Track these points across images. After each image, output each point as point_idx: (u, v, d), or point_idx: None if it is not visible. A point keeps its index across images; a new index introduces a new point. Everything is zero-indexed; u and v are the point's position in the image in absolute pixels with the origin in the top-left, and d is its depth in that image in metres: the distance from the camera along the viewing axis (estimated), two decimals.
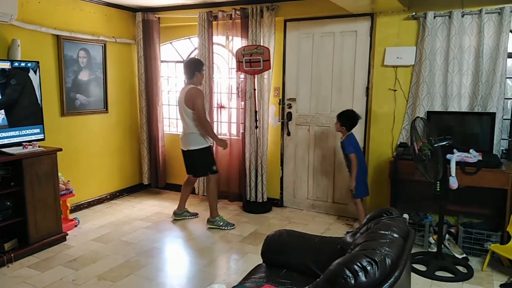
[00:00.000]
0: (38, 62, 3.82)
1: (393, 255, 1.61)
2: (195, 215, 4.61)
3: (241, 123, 4.87)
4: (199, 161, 4.15)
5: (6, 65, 3.57)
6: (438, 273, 3.23)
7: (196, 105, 3.96)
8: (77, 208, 4.64)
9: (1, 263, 3.31)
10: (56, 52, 4.30)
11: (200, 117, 3.97)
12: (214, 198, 4.26)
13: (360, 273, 1.46)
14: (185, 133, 4.12)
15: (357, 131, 4.41)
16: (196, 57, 4.71)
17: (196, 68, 4.07)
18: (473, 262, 3.43)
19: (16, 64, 3.65)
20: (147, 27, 5.14)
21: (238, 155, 4.93)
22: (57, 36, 4.28)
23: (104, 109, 4.93)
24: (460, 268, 3.30)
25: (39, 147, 3.67)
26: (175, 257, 3.72)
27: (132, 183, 5.49)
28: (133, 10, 5.18)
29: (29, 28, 3.97)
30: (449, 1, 3.74)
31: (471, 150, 3.50)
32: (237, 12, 4.63)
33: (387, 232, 1.78)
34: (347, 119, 3.98)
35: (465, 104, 3.79)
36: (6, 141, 3.57)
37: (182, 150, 4.21)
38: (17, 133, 3.66)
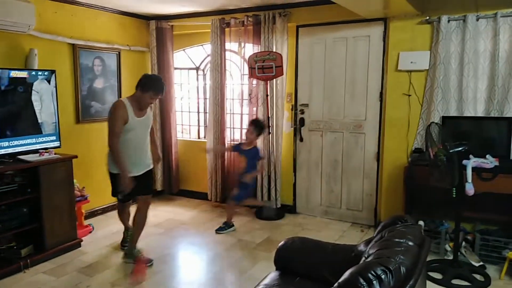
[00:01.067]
0: (54, 71, 3.90)
1: (408, 263, 1.59)
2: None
3: None
4: (114, 186, 3.52)
5: (24, 74, 3.64)
6: (455, 281, 3.17)
7: (108, 121, 3.32)
8: (92, 214, 4.69)
9: (18, 268, 3.36)
10: (72, 60, 4.37)
11: (108, 137, 3.30)
12: (140, 227, 3.61)
13: (374, 282, 1.44)
14: None
15: (371, 136, 4.39)
16: (158, 76, 3.93)
17: (142, 85, 3.34)
18: (491, 270, 3.35)
19: (33, 73, 3.73)
20: (161, 35, 5.20)
21: None
22: (73, 45, 4.36)
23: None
24: (477, 276, 3.23)
25: (55, 154, 3.73)
26: (188, 264, 3.73)
27: None
28: (147, 18, 5.25)
29: (46, 37, 4.06)
30: (464, 5, 3.70)
31: (487, 156, 3.43)
32: (250, 19, 4.66)
33: (401, 240, 1.76)
34: (262, 128, 4.33)
35: (481, 108, 3.73)
36: (23, 148, 3.64)
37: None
38: (33, 140, 3.73)
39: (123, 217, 3.90)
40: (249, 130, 4.30)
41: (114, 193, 3.59)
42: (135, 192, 3.47)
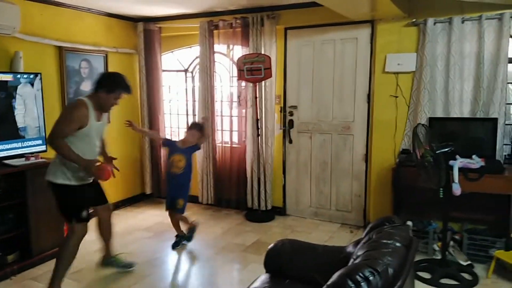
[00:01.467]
0: (39, 74, 3.85)
1: (396, 264, 1.60)
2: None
3: (243, 131, 4.88)
4: (60, 200, 2.98)
5: (8, 77, 3.59)
6: (443, 280, 3.20)
7: (60, 119, 2.85)
8: None
9: (4, 276, 3.30)
10: (58, 63, 4.32)
11: (52, 137, 2.82)
12: (68, 261, 3.02)
13: (362, 284, 1.45)
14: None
15: (359, 138, 4.42)
16: (120, 73, 3.17)
17: (107, 85, 2.95)
18: (478, 269, 3.40)
19: (18, 76, 3.68)
20: (148, 37, 5.17)
21: (240, 163, 4.93)
22: (59, 47, 4.31)
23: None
24: (465, 275, 3.27)
25: (41, 158, 3.68)
26: (178, 267, 3.71)
27: (135, 193, 5.49)
28: (134, 20, 5.22)
29: (31, 40, 4.00)
30: (449, 7, 3.75)
31: (473, 156, 3.48)
32: (238, 21, 4.66)
33: (389, 241, 1.77)
34: (202, 130, 3.98)
35: (467, 109, 3.78)
36: (8, 153, 3.58)
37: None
38: (19, 144, 3.67)
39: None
40: (192, 133, 3.92)
41: (72, 212, 2.97)
42: (92, 203, 3.19)
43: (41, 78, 3.86)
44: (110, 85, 2.95)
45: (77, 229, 2.99)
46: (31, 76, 3.77)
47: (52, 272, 2.97)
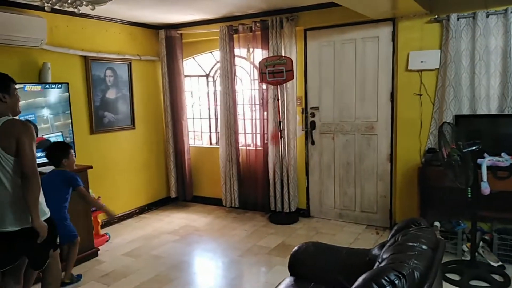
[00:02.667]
0: (67, 83, 3.98)
1: (422, 267, 1.58)
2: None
3: (265, 133, 4.89)
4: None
5: (38, 88, 3.73)
6: (473, 282, 3.12)
7: (28, 143, 2.36)
8: (108, 223, 4.75)
9: (37, 280, 3.41)
10: (84, 72, 4.45)
11: (31, 165, 2.37)
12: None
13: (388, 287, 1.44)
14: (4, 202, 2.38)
15: (383, 138, 4.36)
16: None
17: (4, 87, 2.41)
18: (510, 270, 3.29)
19: (47, 86, 3.81)
20: (170, 44, 5.26)
21: (263, 166, 4.94)
22: (85, 57, 4.43)
23: (132, 126, 5.06)
24: (496, 277, 3.18)
25: None
26: (204, 271, 3.75)
27: (160, 197, 5.59)
28: (156, 27, 5.32)
29: (58, 51, 4.14)
30: (472, 2, 3.66)
31: (502, 154, 3.39)
32: (257, 25, 4.68)
33: (415, 244, 1.75)
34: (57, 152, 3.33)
35: (495, 106, 3.68)
36: (40, 160, 3.70)
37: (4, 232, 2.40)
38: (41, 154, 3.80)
39: None
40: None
41: (54, 242, 2.67)
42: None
43: (68, 88, 3.98)
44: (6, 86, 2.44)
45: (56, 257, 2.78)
46: (59, 86, 3.90)
47: None
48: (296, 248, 2.52)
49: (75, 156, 3.89)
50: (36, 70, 3.97)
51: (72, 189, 3.25)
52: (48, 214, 2.58)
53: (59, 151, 3.30)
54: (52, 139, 3.86)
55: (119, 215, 4.92)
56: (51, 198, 2.78)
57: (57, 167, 3.30)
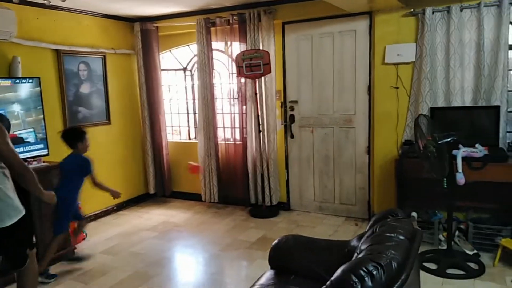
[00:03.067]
0: (38, 78, 3.85)
1: (399, 257, 1.59)
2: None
3: (244, 127, 4.87)
4: (17, 239, 2.52)
5: (7, 83, 3.59)
6: (449, 270, 3.19)
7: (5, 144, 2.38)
8: None
9: (12, 279, 3.30)
10: (56, 66, 4.32)
11: (18, 163, 2.45)
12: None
13: (366, 278, 1.44)
14: None
15: (361, 131, 4.40)
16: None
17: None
18: (485, 258, 3.38)
19: (17, 81, 3.68)
20: (146, 37, 5.15)
21: (243, 160, 4.92)
22: (57, 50, 4.30)
23: (107, 121, 4.95)
24: (472, 265, 3.26)
25: (43, 162, 3.69)
26: (184, 266, 3.72)
27: (138, 193, 5.50)
28: (131, 20, 5.20)
29: (28, 44, 4.00)
30: None
31: (477, 145, 3.46)
32: (235, 18, 4.63)
33: (392, 235, 1.76)
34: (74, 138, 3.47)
35: (469, 98, 3.75)
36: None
37: None
38: (21, 149, 3.68)
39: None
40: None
41: (23, 249, 2.58)
42: None
43: (40, 82, 3.86)
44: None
45: (33, 257, 2.70)
46: (30, 80, 3.77)
47: None
48: (276, 241, 2.52)
49: (49, 153, 3.80)
50: (5, 64, 3.82)
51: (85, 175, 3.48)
52: (23, 212, 2.53)
53: (74, 135, 3.47)
54: (23, 135, 3.74)
55: (95, 212, 4.82)
56: (69, 181, 3.38)
57: (72, 150, 3.46)
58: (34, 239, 2.68)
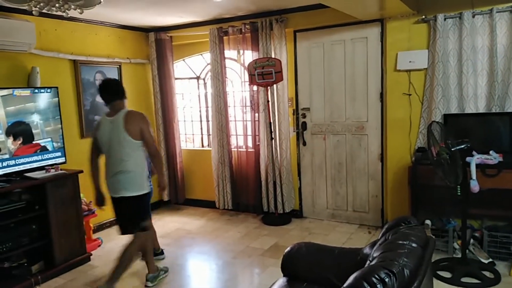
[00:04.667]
0: (56, 88, 3.95)
1: (412, 265, 1.60)
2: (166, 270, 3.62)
3: (256, 135, 4.90)
4: (136, 211, 3.22)
5: (27, 92, 3.70)
6: (464, 279, 3.16)
7: (147, 133, 3.13)
8: (100, 227, 4.72)
9: (29, 285, 3.39)
10: (73, 76, 4.43)
11: (153, 149, 3.19)
12: (126, 265, 3.20)
13: (378, 286, 1.45)
14: (120, 172, 3.11)
15: (374, 137, 4.40)
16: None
17: (123, 91, 3.26)
18: (500, 266, 3.34)
19: (36, 91, 3.78)
20: (160, 46, 5.25)
21: (255, 167, 4.95)
22: (74, 61, 4.41)
23: None
24: (487, 273, 3.22)
25: (61, 170, 3.77)
26: (198, 273, 3.75)
27: (152, 200, 5.51)
28: (145, 30, 5.31)
29: (47, 55, 4.12)
30: (459, 2, 3.70)
31: (491, 152, 3.43)
32: (247, 26, 4.69)
33: (405, 242, 1.77)
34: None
35: (482, 105, 3.73)
36: (29, 166, 3.69)
37: (115, 198, 3.19)
38: (39, 157, 3.77)
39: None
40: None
41: (136, 223, 3.22)
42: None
43: (58, 92, 3.96)
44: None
45: (141, 237, 3.27)
46: (49, 90, 3.87)
47: (111, 273, 3.16)
48: (288, 249, 2.53)
49: (66, 161, 3.88)
50: (25, 74, 3.94)
51: None
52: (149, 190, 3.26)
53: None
54: (42, 145, 3.83)
55: (111, 219, 4.89)
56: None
57: None
58: (146, 223, 3.28)
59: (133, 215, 3.20)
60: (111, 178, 3.16)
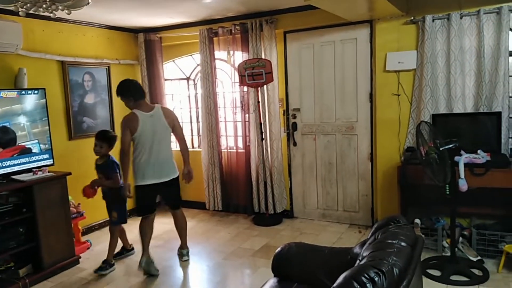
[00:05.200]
0: (44, 89, 3.90)
1: (401, 264, 1.61)
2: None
3: (247, 136, 4.90)
4: (179, 188, 3.85)
5: (13, 94, 3.65)
6: (453, 277, 3.19)
7: (179, 126, 3.72)
8: (89, 230, 4.68)
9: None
10: (61, 77, 4.38)
11: (185, 139, 3.80)
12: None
13: (368, 285, 1.45)
14: (167, 159, 3.61)
15: (364, 138, 4.42)
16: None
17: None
18: (489, 264, 3.38)
19: (23, 92, 3.73)
20: (150, 47, 5.22)
21: (246, 168, 4.94)
22: (62, 61, 4.37)
23: (111, 131, 4.98)
24: (475, 271, 3.25)
25: (48, 172, 3.73)
26: (188, 275, 3.72)
27: None
28: (135, 31, 5.27)
29: (34, 56, 4.07)
30: (447, 3, 3.75)
31: (479, 151, 3.47)
32: (237, 27, 4.69)
33: (394, 241, 1.77)
34: (110, 140, 3.80)
35: (470, 105, 3.77)
36: (16, 168, 3.64)
37: (165, 182, 3.59)
38: (26, 159, 3.72)
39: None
40: (97, 144, 3.73)
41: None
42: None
43: (45, 93, 3.91)
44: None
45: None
46: (36, 91, 3.83)
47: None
48: (279, 249, 2.53)
49: (54, 163, 3.84)
50: (11, 76, 3.89)
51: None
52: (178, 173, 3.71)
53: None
54: (28, 146, 3.78)
55: (100, 222, 4.84)
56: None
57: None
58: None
59: (179, 191, 3.84)
60: (157, 165, 3.51)
